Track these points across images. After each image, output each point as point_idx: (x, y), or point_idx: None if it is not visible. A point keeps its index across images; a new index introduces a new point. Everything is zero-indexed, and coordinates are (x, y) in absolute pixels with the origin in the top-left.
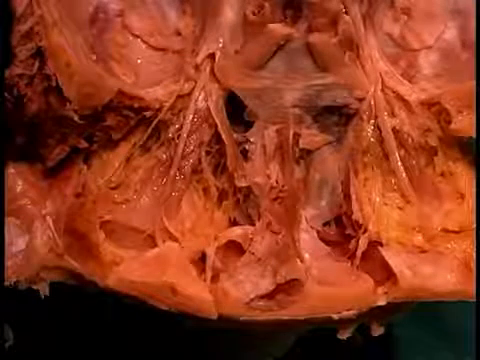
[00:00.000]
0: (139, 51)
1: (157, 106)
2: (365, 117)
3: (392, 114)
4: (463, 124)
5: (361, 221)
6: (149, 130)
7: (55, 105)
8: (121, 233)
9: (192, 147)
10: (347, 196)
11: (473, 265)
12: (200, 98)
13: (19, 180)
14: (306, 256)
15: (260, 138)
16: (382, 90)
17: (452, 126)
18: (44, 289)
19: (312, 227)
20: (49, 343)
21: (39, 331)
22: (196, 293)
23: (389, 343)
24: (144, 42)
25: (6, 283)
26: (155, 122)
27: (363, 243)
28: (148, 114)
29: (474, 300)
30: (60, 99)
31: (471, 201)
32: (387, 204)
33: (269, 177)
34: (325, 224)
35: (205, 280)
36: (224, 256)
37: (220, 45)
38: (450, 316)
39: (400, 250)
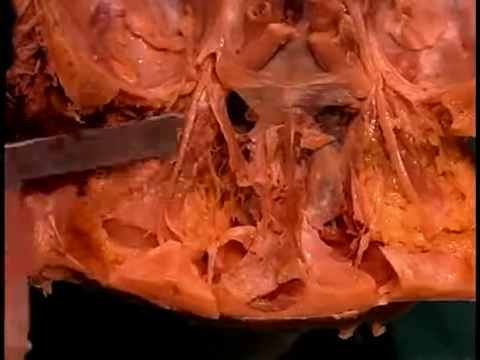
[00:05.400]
0: (140, 51)
1: (159, 106)
2: (366, 117)
3: (393, 114)
4: (464, 124)
5: (362, 221)
6: None
7: (56, 105)
8: (123, 232)
9: (194, 147)
10: (348, 196)
11: (474, 265)
12: (202, 98)
13: None
14: (307, 256)
15: (261, 138)
16: (383, 90)
17: (453, 126)
18: (47, 288)
19: (313, 227)
20: (49, 343)
21: (39, 331)
22: (198, 293)
23: (389, 343)
24: (145, 42)
25: None
26: None
27: (364, 243)
28: (150, 114)
29: (474, 300)
30: (61, 99)
31: (472, 201)
32: (388, 204)
33: (270, 177)
34: (326, 224)
35: (207, 280)
36: (226, 256)
37: (221, 45)
38: (450, 316)
39: (401, 250)
